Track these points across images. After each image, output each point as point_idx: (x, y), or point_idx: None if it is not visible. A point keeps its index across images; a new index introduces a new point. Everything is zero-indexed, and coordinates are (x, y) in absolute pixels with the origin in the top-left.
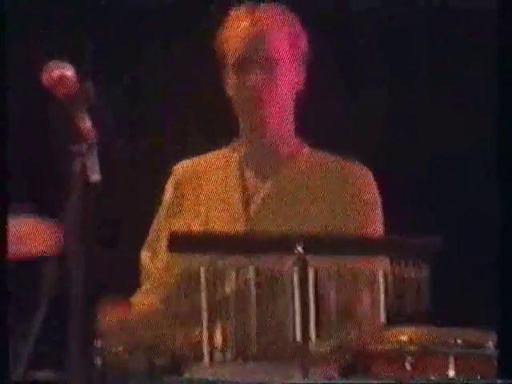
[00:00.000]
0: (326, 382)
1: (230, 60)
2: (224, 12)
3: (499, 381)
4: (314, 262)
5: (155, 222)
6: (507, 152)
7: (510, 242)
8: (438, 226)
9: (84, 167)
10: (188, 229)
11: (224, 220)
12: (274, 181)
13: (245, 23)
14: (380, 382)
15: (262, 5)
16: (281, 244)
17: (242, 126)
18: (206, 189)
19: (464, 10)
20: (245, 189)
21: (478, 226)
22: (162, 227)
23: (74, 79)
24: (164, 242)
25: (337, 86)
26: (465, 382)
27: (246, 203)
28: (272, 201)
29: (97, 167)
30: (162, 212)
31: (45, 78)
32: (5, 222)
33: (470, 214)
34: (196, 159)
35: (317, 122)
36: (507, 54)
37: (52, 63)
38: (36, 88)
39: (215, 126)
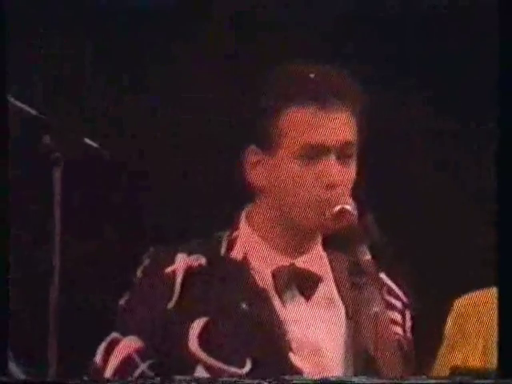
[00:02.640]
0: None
1: None
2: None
3: (499, 381)
4: None
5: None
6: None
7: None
8: None
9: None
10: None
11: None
12: None
13: None
14: (380, 381)
15: None
16: None
17: None
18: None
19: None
20: None
21: None
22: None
23: (354, 213)
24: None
25: None
26: (465, 382)
27: None
28: None
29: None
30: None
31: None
32: (6, 219)
33: None
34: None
35: None
36: (508, 51)
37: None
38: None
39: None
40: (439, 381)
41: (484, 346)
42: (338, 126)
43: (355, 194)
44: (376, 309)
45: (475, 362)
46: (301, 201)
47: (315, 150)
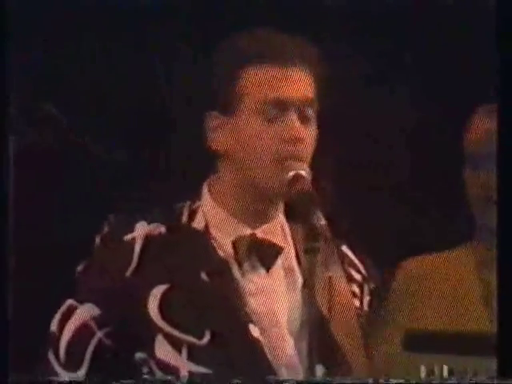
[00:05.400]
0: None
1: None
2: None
3: (499, 381)
4: None
5: None
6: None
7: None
8: None
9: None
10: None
11: (464, 319)
12: None
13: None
14: (376, 381)
15: None
16: None
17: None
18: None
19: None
20: (484, 289)
21: None
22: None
23: (309, 178)
24: None
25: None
26: (464, 382)
27: (487, 304)
28: None
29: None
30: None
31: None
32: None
33: None
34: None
35: None
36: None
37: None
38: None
39: None
40: (436, 381)
41: (438, 308)
42: (298, 83)
43: (311, 160)
44: (330, 273)
45: (430, 324)
46: (262, 160)
47: (275, 106)
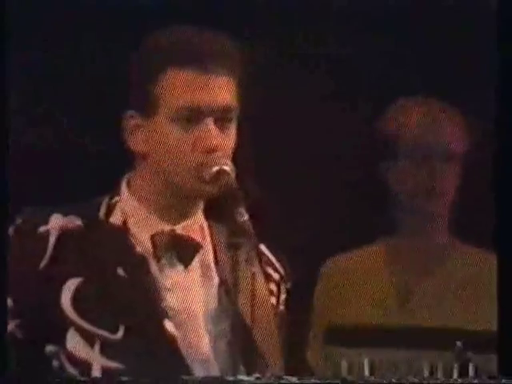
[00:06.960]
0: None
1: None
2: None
3: (501, 381)
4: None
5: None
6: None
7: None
8: None
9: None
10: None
11: (378, 315)
12: (429, 277)
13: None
14: (376, 382)
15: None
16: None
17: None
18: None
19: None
20: (398, 285)
21: None
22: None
23: (233, 174)
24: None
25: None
26: (464, 382)
27: (400, 299)
28: (427, 297)
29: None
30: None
31: (205, 172)
32: (5, 221)
33: None
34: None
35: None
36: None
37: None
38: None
39: None
40: (432, 380)
41: (358, 303)
42: (217, 89)
43: (235, 156)
44: (254, 269)
45: (353, 319)
46: (180, 166)
47: (193, 113)
